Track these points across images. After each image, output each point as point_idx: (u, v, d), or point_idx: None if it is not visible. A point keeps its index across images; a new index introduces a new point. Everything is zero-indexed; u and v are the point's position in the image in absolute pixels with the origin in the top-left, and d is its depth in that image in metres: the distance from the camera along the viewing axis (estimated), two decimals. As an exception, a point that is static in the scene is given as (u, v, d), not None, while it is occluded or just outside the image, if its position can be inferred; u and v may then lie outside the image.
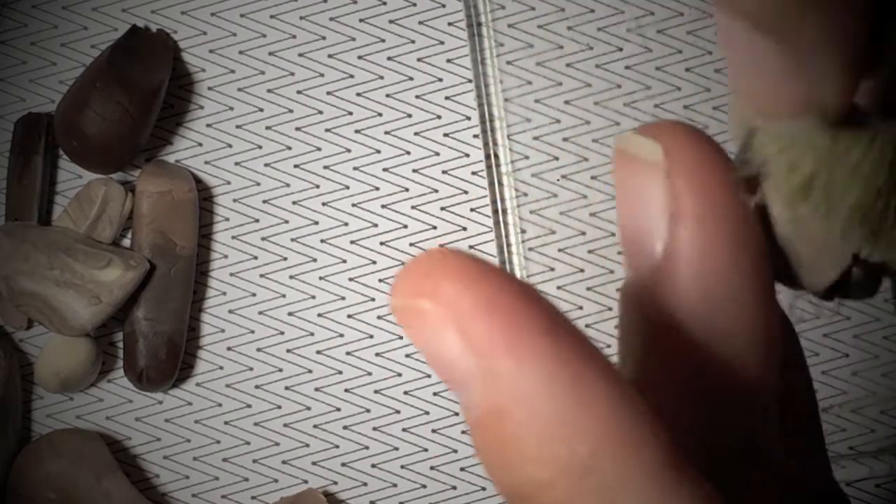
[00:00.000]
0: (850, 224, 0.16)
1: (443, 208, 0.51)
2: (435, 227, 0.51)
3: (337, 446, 0.51)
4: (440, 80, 0.51)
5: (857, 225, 0.16)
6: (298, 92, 0.51)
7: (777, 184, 0.17)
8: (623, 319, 0.18)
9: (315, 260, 0.51)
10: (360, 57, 0.52)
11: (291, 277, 0.51)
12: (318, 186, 0.51)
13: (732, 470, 0.17)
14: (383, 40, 0.52)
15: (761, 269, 0.17)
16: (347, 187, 0.51)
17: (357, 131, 0.51)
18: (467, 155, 0.51)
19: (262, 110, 0.51)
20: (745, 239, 0.17)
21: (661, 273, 0.17)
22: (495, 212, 0.47)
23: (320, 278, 0.51)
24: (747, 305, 0.17)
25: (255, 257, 0.51)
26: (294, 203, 0.51)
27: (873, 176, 0.16)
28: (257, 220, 0.51)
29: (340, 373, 0.51)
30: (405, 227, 0.51)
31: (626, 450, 0.15)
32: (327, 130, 0.51)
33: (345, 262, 0.51)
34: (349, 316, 0.51)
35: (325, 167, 0.51)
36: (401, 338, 0.51)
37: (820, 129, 0.16)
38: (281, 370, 0.51)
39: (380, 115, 0.51)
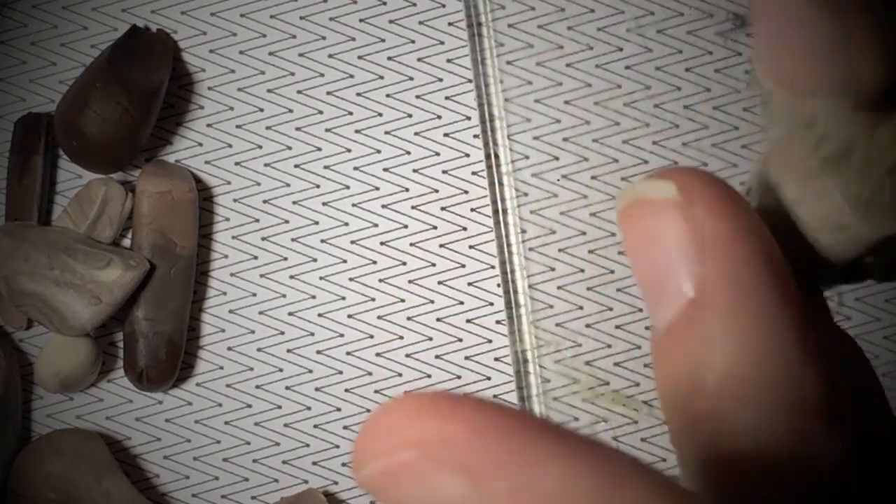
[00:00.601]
0: (881, 189, 0.16)
1: (443, 208, 0.51)
2: (435, 227, 0.51)
3: (337, 446, 0.51)
4: (440, 80, 0.51)
5: (889, 190, 0.17)
6: (298, 92, 0.51)
7: (799, 159, 0.17)
8: (657, 370, 0.17)
9: (315, 260, 0.51)
10: (360, 57, 0.52)
11: (292, 277, 0.51)
12: (318, 186, 0.51)
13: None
14: (383, 40, 0.52)
15: (792, 278, 0.17)
16: (347, 187, 0.51)
17: (357, 131, 0.51)
18: (467, 155, 0.51)
19: (262, 110, 0.51)
20: (772, 250, 0.16)
21: (695, 308, 0.16)
22: (495, 212, 0.47)
23: (320, 278, 0.51)
24: (786, 322, 0.16)
25: (256, 257, 0.51)
26: (294, 203, 0.51)
27: None
28: (257, 220, 0.51)
29: (341, 373, 0.51)
30: (405, 227, 0.51)
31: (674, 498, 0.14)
32: (327, 130, 0.51)
33: (345, 262, 0.51)
34: (349, 316, 0.51)
35: (326, 167, 0.51)
36: (401, 338, 0.51)
37: (853, 106, 0.16)
38: (281, 370, 0.51)
39: (380, 115, 0.51)
